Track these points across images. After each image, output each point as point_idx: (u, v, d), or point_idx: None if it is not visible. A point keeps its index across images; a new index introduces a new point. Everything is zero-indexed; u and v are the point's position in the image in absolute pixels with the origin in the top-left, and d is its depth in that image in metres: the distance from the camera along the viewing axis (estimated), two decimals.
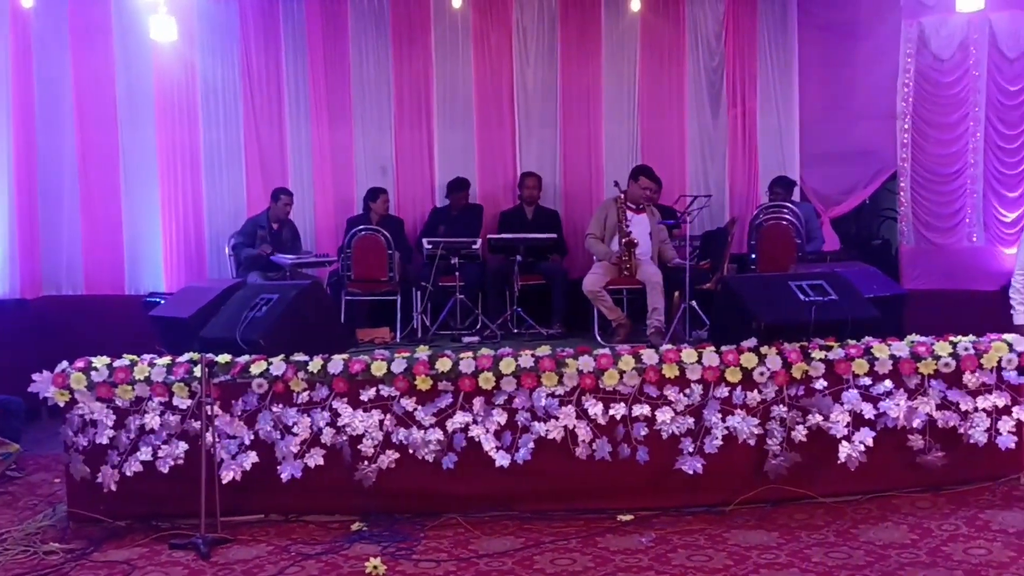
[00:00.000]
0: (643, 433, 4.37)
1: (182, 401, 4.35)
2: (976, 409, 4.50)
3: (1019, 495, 4.46)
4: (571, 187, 8.04)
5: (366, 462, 4.36)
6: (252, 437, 4.35)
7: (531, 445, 4.33)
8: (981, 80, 7.52)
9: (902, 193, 7.81)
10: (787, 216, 6.92)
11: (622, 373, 4.39)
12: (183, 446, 4.31)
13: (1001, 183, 7.52)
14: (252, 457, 4.31)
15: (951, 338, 4.61)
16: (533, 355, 4.44)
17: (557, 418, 4.35)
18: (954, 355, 4.52)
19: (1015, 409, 4.52)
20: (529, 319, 6.91)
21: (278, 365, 4.42)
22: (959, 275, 7.55)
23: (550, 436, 4.34)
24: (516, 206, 7.71)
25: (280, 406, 4.37)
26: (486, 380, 4.37)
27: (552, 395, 4.38)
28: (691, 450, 4.38)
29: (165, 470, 4.30)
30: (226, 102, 7.81)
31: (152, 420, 4.33)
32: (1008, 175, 7.49)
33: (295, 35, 7.87)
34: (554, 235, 7.30)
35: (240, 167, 7.85)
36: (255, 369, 4.40)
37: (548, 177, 7.87)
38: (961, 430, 4.49)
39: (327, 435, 4.35)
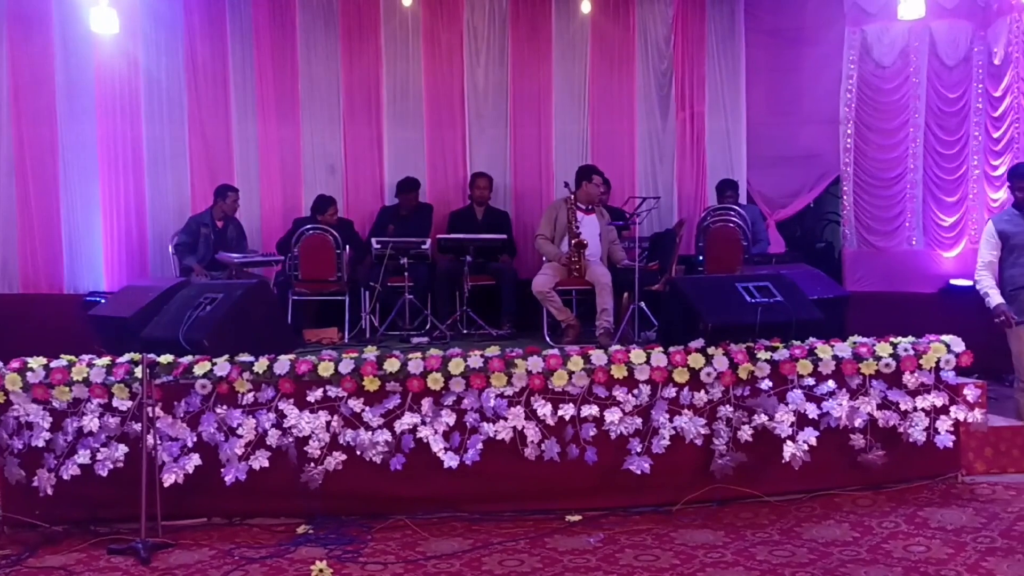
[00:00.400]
0: (592, 433, 4.39)
1: (122, 403, 4.26)
2: (915, 409, 4.62)
3: (957, 493, 4.59)
4: (521, 187, 8.04)
5: (312, 464, 4.31)
6: (195, 439, 4.27)
7: (480, 446, 4.33)
8: (921, 87, 7.73)
9: (845, 197, 7.97)
10: (734, 219, 7.00)
11: (571, 374, 4.41)
12: (123, 449, 4.21)
13: (940, 188, 7.72)
14: (195, 459, 4.24)
15: (892, 339, 4.72)
16: (482, 356, 4.44)
17: (506, 419, 4.36)
18: (894, 356, 4.63)
19: (953, 408, 4.64)
20: (479, 319, 6.89)
21: (222, 366, 4.34)
22: (899, 278, 7.75)
23: (499, 437, 4.34)
24: (466, 206, 7.68)
25: (224, 407, 4.30)
26: (435, 381, 4.36)
27: (501, 396, 4.38)
28: (639, 450, 4.41)
29: (104, 473, 4.20)
30: (170, 97, 7.64)
31: (91, 422, 4.23)
32: (947, 180, 7.69)
33: (241, 29, 7.72)
34: (504, 236, 7.28)
35: (184, 163, 7.68)
36: (198, 370, 4.33)
37: (498, 177, 7.84)
38: (901, 429, 4.60)
39: (273, 437, 4.29)
